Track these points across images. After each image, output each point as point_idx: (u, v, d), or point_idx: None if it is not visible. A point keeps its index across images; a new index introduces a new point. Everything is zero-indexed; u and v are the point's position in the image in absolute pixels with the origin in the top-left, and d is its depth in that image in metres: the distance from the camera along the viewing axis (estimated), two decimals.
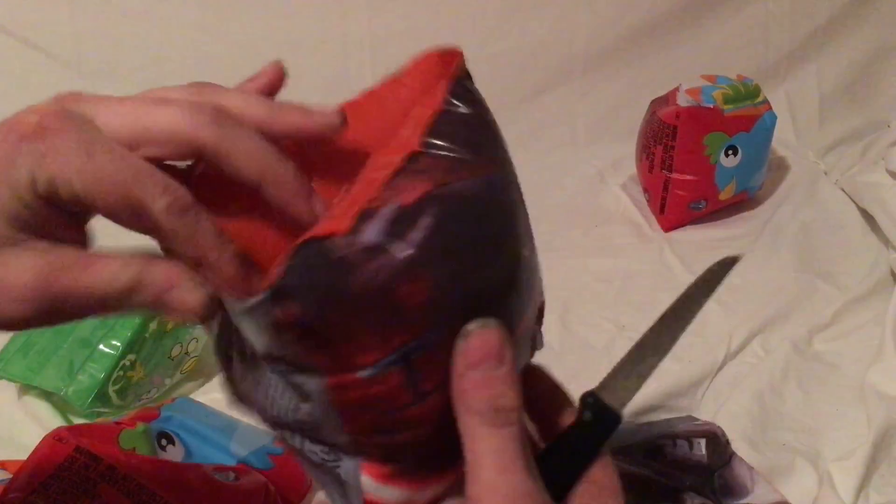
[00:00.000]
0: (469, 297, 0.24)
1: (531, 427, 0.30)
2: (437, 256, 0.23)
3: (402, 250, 0.22)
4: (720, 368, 0.73)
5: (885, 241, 0.88)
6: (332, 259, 0.22)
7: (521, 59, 1.11)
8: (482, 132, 0.27)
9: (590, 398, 0.29)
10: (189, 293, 0.23)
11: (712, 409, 0.68)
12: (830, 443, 0.65)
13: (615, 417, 0.29)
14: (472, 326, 0.23)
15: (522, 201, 0.28)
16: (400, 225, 0.23)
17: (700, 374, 0.72)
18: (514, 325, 0.25)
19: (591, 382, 0.77)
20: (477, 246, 0.24)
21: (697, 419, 0.63)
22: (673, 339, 0.31)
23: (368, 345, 0.23)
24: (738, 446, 0.60)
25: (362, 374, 0.23)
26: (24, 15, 1.00)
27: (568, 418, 0.29)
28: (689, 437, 0.58)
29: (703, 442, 0.57)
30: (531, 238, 0.28)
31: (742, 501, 0.55)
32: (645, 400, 0.69)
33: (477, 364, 0.23)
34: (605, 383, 0.30)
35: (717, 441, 0.57)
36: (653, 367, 0.30)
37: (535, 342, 0.30)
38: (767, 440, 0.65)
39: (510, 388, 0.23)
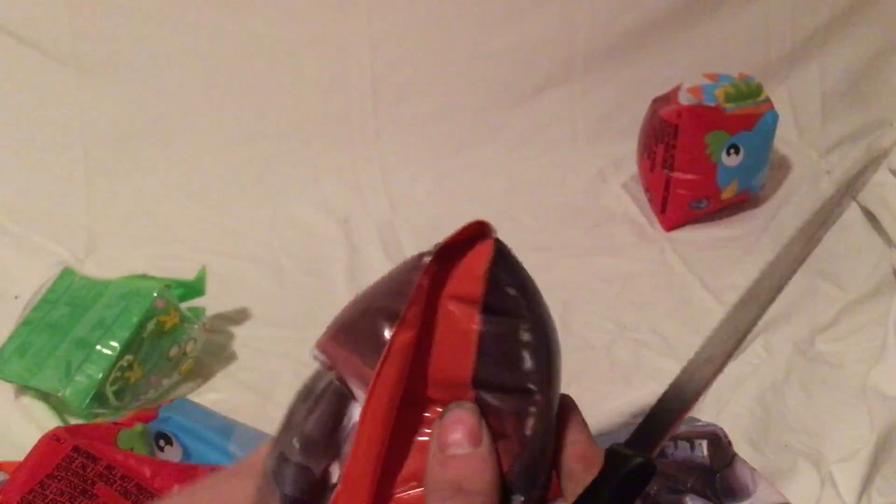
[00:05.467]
0: None
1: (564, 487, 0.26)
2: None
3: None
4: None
5: (888, 241, 0.87)
6: None
7: (521, 57, 1.11)
8: (521, 347, 0.24)
9: (612, 450, 0.25)
10: None
11: (714, 410, 0.68)
12: (833, 444, 0.64)
13: (643, 468, 0.24)
14: (451, 406, 0.22)
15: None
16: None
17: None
18: None
19: (592, 383, 0.76)
20: None
21: (699, 420, 0.63)
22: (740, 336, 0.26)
23: None
24: (740, 447, 0.60)
25: None
26: (20, 13, 0.99)
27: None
28: (691, 438, 0.57)
29: (704, 443, 0.57)
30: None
31: (744, 503, 0.55)
32: (647, 401, 0.68)
33: (449, 444, 0.22)
34: (637, 432, 0.26)
35: (718, 442, 0.57)
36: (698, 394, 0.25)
37: None
38: (769, 441, 0.65)
39: (480, 470, 0.22)
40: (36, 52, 1.00)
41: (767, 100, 0.92)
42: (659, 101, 0.94)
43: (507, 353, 0.23)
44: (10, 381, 0.68)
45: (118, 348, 0.66)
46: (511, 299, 0.23)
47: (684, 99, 0.89)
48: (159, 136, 1.04)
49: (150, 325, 0.68)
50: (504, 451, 0.23)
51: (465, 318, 0.23)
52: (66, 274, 0.75)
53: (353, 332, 0.23)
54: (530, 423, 0.23)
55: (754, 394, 0.68)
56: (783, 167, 1.04)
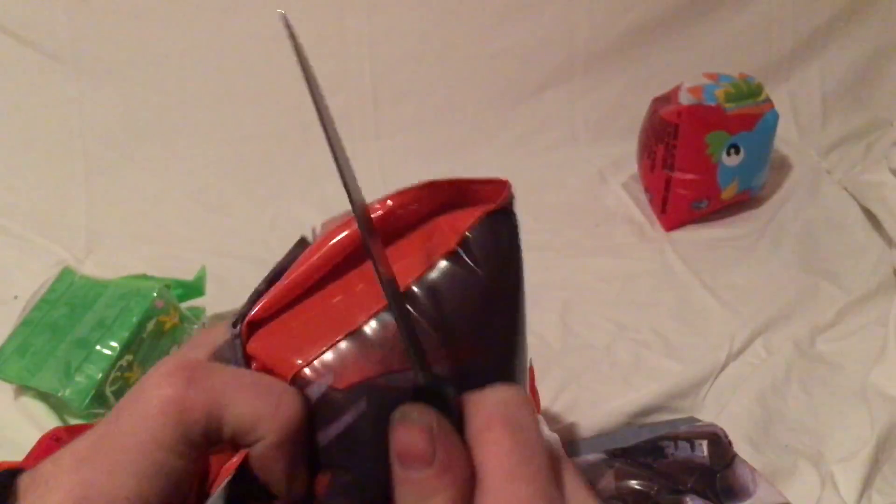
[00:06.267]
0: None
1: None
2: (344, 457, 0.23)
3: (320, 439, 0.23)
4: (722, 369, 0.73)
5: (889, 241, 0.87)
6: None
7: (521, 56, 1.11)
8: (481, 301, 0.24)
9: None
10: None
11: (714, 410, 0.68)
12: (833, 444, 0.64)
13: None
14: (396, 415, 0.21)
15: (509, 378, 0.25)
16: (324, 410, 0.23)
17: (702, 374, 0.72)
18: None
19: (592, 383, 0.76)
20: None
21: (699, 420, 0.63)
22: None
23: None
24: (740, 447, 0.60)
25: None
26: (20, 13, 0.99)
27: None
28: (691, 438, 0.57)
29: (704, 443, 0.57)
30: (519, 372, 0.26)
31: (744, 503, 0.55)
32: (647, 401, 0.68)
33: (401, 460, 0.20)
34: None
35: (718, 442, 0.57)
36: None
37: None
38: (770, 441, 0.65)
39: (436, 492, 0.20)
40: (35, 52, 1.00)
41: (768, 100, 0.92)
42: (659, 101, 0.94)
43: (449, 290, 0.24)
44: (10, 382, 0.68)
45: (118, 348, 0.66)
46: (483, 255, 0.24)
47: (684, 99, 0.89)
48: (159, 136, 1.04)
49: (150, 325, 0.68)
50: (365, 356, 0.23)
51: (444, 240, 0.24)
52: (66, 274, 0.75)
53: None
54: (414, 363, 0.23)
55: (754, 394, 0.68)
56: (783, 167, 1.04)
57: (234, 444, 0.24)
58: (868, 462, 0.60)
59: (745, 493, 0.55)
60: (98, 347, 0.66)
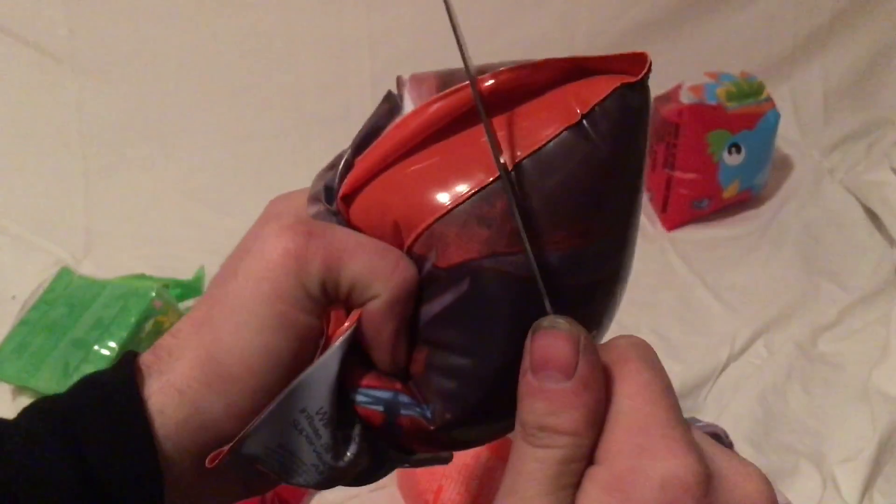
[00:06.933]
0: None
1: None
2: (443, 337, 0.23)
3: (422, 316, 0.23)
4: (723, 369, 0.72)
5: (890, 240, 0.87)
6: None
7: (520, 56, 1.10)
8: (601, 179, 0.22)
9: None
10: None
11: (715, 411, 0.68)
12: (835, 444, 0.64)
13: None
14: (544, 322, 0.20)
15: (621, 267, 0.24)
16: (426, 288, 0.23)
17: (703, 375, 0.71)
18: None
19: None
20: (502, 335, 0.22)
21: (700, 420, 0.62)
22: None
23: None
24: (742, 448, 0.60)
25: None
26: (18, 12, 0.99)
27: None
28: None
29: None
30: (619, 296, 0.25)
31: None
32: None
33: (537, 368, 0.19)
34: None
35: (720, 443, 0.57)
36: None
37: None
38: (771, 442, 0.64)
39: (570, 408, 0.19)
40: (33, 51, 1.00)
41: (769, 99, 0.92)
42: (660, 100, 0.94)
43: (566, 164, 0.22)
44: (8, 382, 0.67)
45: (116, 348, 0.65)
46: (609, 130, 0.22)
47: (685, 98, 0.89)
48: (157, 136, 1.04)
49: (148, 326, 0.68)
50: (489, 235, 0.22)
51: (568, 110, 0.22)
52: (64, 274, 0.75)
53: (456, 77, 0.25)
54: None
55: (756, 394, 0.68)
56: (785, 166, 1.04)
57: (349, 303, 0.24)
58: (870, 462, 0.60)
59: None
60: (96, 347, 0.66)
